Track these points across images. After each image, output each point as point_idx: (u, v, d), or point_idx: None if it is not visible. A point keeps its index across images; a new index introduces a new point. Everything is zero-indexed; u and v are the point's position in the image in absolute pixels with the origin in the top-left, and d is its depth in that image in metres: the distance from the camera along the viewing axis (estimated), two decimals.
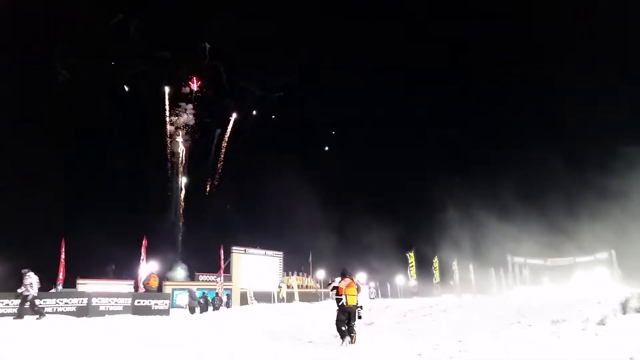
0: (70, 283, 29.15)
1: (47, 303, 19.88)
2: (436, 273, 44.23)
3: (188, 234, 49.12)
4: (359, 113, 65.21)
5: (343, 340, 9.15)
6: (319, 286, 44.13)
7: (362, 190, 60.55)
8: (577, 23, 50.83)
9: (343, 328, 9.02)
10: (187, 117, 51.11)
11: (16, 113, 42.43)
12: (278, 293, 34.04)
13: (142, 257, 29.87)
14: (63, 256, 26.42)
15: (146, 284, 25.36)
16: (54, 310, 19.75)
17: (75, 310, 20.11)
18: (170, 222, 48.74)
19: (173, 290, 34.78)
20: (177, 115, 50.76)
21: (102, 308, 20.92)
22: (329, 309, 9.59)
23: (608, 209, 39.01)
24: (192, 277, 40.96)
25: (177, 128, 50.65)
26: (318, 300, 34.71)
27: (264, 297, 34.08)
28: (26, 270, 16.42)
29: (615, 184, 39.17)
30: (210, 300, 25.04)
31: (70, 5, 44.89)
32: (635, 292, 12.79)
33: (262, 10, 55.34)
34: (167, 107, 50.38)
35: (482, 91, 60.93)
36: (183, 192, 50.14)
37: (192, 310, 23.79)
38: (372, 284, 47.15)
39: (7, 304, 19.21)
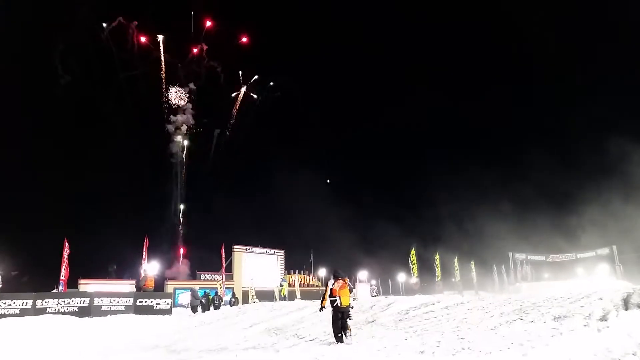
0: (72, 283, 29.18)
1: (49, 303, 19.92)
2: (438, 270, 44.22)
3: (189, 233, 49.19)
4: (361, 111, 65.40)
5: (338, 342, 9.44)
6: (320, 284, 44.12)
7: (364, 188, 60.68)
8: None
9: (339, 334, 9.40)
10: (186, 117, 51.11)
11: (15, 111, 42.47)
12: (280, 291, 34.03)
13: (143, 257, 29.94)
14: (66, 256, 26.43)
15: (143, 285, 25.42)
16: (56, 311, 19.79)
17: (77, 310, 20.17)
18: (172, 222, 48.79)
19: (175, 289, 34.80)
20: (176, 113, 50.80)
21: (104, 308, 20.98)
22: (330, 307, 9.70)
23: (609, 205, 38.97)
24: (193, 276, 41.01)
25: (177, 128, 50.64)
26: (320, 299, 34.66)
27: (265, 296, 34.11)
28: None
29: (615, 181, 39.18)
30: (211, 299, 25.05)
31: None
32: (637, 288, 12.78)
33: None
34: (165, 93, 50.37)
35: (485, 90, 61.19)
36: (184, 191, 50.18)
37: (194, 310, 23.80)
38: (373, 282, 47.13)
39: (9, 305, 19.29)
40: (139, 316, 20.43)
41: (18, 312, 19.05)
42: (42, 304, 19.78)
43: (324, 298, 9.84)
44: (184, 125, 50.78)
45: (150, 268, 31.23)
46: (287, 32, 57.88)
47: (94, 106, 47.60)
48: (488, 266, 46.82)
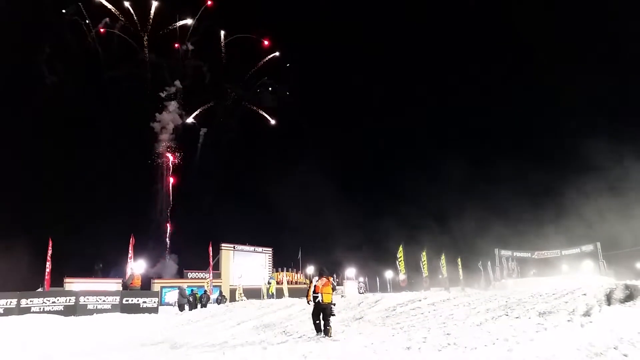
0: (57, 282, 28.86)
1: (34, 302, 19.69)
2: (424, 267, 44.47)
3: (176, 231, 48.90)
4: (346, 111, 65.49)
5: (318, 333, 9.87)
6: (308, 282, 44.10)
7: (351, 186, 60.80)
8: None
9: (317, 322, 9.90)
10: (173, 116, 50.72)
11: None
12: (268, 289, 34.01)
13: (129, 256, 29.71)
14: (49, 255, 26.15)
15: (130, 284, 25.24)
16: (41, 310, 19.56)
17: (63, 309, 19.96)
18: (158, 220, 48.43)
19: (162, 287, 34.59)
20: (162, 111, 50.40)
21: (90, 307, 20.78)
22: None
23: (593, 202, 39.58)
24: (181, 274, 40.78)
25: (163, 127, 50.25)
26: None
27: (253, 294, 34.04)
28: None
29: (599, 179, 39.78)
30: (198, 297, 24.97)
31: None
32: (620, 284, 13.03)
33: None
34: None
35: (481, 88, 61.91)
36: (171, 189, 49.81)
37: (181, 308, 23.72)
38: (361, 279, 47.33)
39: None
40: (125, 315, 20.27)
41: (2, 312, 18.78)
42: (27, 303, 19.53)
43: (308, 294, 10.23)
44: (170, 123, 50.41)
45: (137, 266, 31.00)
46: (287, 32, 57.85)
47: (79, 105, 46.94)
48: (474, 263, 47.27)
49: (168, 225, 48.54)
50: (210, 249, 36.59)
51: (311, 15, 65.06)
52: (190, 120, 52.31)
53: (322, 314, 9.86)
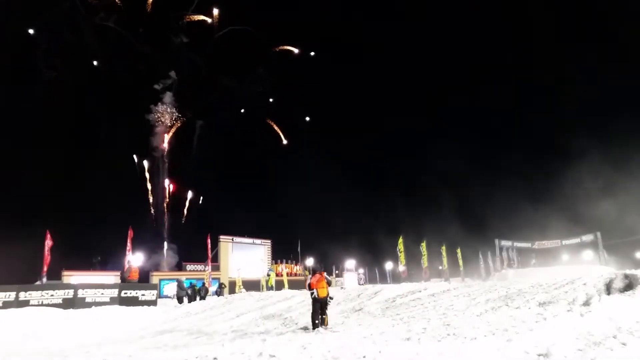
0: (55, 275, 28.83)
1: (33, 295, 19.63)
2: (424, 258, 44.51)
3: (174, 224, 48.79)
4: (344, 104, 65.26)
5: (314, 329, 9.94)
6: (308, 273, 44.16)
7: (350, 177, 60.69)
8: None
9: (317, 321, 10.10)
10: (169, 109, 50.31)
11: None
12: (267, 281, 33.99)
13: (128, 248, 29.66)
14: (48, 248, 26.07)
15: (127, 277, 25.18)
16: (40, 303, 19.51)
17: (61, 302, 19.89)
18: (156, 213, 48.25)
19: (160, 280, 34.59)
20: (157, 103, 50.05)
21: (88, 299, 20.71)
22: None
23: (594, 192, 39.60)
24: (179, 266, 40.78)
25: (158, 119, 49.87)
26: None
27: (252, 286, 34.04)
28: None
29: (599, 168, 39.74)
30: (197, 290, 24.93)
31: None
32: (619, 273, 12.97)
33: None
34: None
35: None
36: (168, 182, 49.58)
37: (180, 300, 23.66)
38: (361, 270, 47.40)
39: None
40: (124, 307, 20.23)
41: (1, 305, 18.74)
42: (26, 296, 19.47)
43: (305, 285, 10.72)
44: (166, 115, 50.00)
45: (135, 259, 30.95)
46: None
47: (75, 99, 46.68)
48: (475, 253, 47.36)
49: (166, 217, 48.41)
50: (209, 241, 36.56)
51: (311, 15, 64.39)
52: (186, 112, 51.93)
53: (320, 310, 10.17)
